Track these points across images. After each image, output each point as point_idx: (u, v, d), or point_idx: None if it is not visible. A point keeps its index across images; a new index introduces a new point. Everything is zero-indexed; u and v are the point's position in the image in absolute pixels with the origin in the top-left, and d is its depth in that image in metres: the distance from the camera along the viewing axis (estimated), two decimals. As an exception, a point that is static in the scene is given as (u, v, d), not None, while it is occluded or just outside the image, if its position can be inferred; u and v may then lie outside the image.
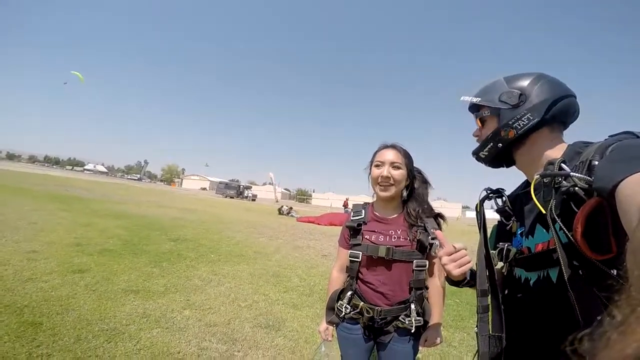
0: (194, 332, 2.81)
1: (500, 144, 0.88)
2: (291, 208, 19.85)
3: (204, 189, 76.59)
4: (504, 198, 0.96)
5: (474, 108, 0.97)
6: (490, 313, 0.85)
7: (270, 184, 47.61)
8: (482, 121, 0.94)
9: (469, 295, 4.70)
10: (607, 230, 0.59)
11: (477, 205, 1.02)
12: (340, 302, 1.44)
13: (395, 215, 1.46)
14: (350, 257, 1.44)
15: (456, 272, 0.90)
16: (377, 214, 1.48)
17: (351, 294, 1.42)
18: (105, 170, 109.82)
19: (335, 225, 13.58)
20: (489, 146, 0.91)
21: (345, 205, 23.77)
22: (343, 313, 1.41)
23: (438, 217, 1.45)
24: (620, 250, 0.58)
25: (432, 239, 1.25)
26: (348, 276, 1.48)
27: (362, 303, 1.39)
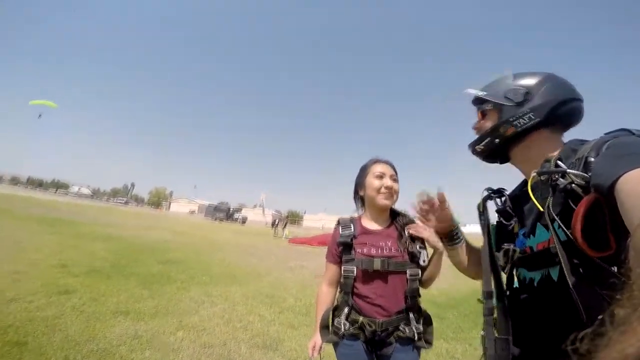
0: (189, 353, 2.69)
1: (498, 140, 0.87)
2: (286, 219, 19.81)
3: (193, 212, 75.17)
4: (504, 198, 0.94)
5: (478, 101, 0.97)
6: (495, 315, 0.84)
7: (260, 206, 47.12)
8: (484, 115, 0.93)
9: (468, 307, 4.70)
10: (605, 226, 0.59)
11: (479, 205, 1.00)
12: (337, 319, 1.39)
13: (384, 227, 1.48)
14: (344, 272, 1.42)
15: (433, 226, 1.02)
16: (366, 226, 1.49)
17: (348, 310, 1.38)
18: (90, 192, 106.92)
19: (327, 245, 13.43)
20: (486, 141, 0.90)
21: (338, 225, 23.58)
22: (342, 330, 1.35)
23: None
24: (619, 246, 0.58)
25: (420, 247, 1.38)
26: (342, 292, 1.44)
27: (361, 318, 1.34)
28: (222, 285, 5.25)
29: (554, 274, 0.73)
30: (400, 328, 1.34)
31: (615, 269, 0.58)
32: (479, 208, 1.00)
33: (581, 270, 0.63)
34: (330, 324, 1.43)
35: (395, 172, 1.52)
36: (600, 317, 0.38)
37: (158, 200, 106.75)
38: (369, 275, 1.37)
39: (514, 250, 0.85)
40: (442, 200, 1.07)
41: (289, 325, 3.64)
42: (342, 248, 1.45)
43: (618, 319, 0.27)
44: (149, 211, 51.80)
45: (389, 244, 1.41)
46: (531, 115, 0.81)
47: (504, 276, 0.90)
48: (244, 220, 44.62)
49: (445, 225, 1.11)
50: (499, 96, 0.87)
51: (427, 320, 1.41)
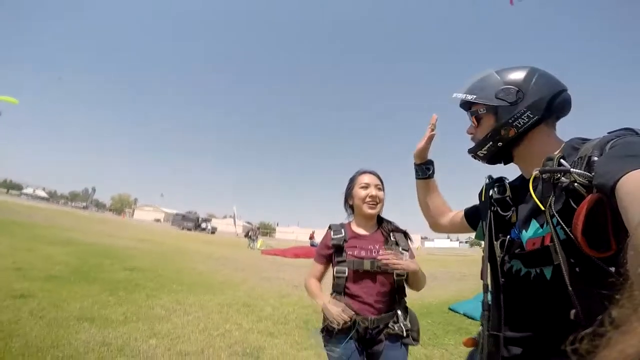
0: (164, 360, 2.53)
1: (501, 143, 0.86)
2: (258, 230, 19.53)
3: (158, 220, 71.65)
4: (505, 187, 0.93)
5: (467, 105, 0.95)
6: (490, 310, 0.83)
7: (231, 217, 45.91)
8: (478, 119, 0.91)
9: (440, 315, 4.84)
10: (606, 227, 0.58)
11: (480, 193, 1.00)
12: (329, 319, 1.42)
13: (372, 232, 1.60)
14: (336, 273, 1.49)
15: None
16: (356, 231, 1.59)
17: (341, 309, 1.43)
18: (45, 195, 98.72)
19: (301, 257, 13.28)
20: (488, 145, 0.88)
21: (312, 237, 23.47)
22: (336, 330, 1.39)
23: (405, 233, 1.62)
24: (619, 247, 0.57)
25: (403, 249, 1.49)
26: (333, 292, 1.50)
27: (354, 315, 1.40)
28: (195, 294, 5.01)
29: (547, 273, 0.73)
30: (390, 325, 1.42)
31: (613, 269, 0.57)
32: (480, 196, 1.00)
33: (578, 270, 0.63)
34: (326, 324, 1.45)
35: (381, 182, 1.63)
36: (599, 317, 0.36)
37: (121, 206, 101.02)
38: (359, 276, 1.47)
39: (511, 242, 0.85)
40: (432, 137, 1.17)
41: (268, 333, 3.52)
42: (335, 250, 1.53)
43: (618, 319, 0.27)
44: (111, 217, 48.72)
45: (377, 247, 1.52)
46: (529, 114, 0.80)
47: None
48: (213, 231, 43.14)
49: (422, 156, 1.21)
50: (490, 98, 0.85)
51: (413, 319, 1.50)
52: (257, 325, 3.77)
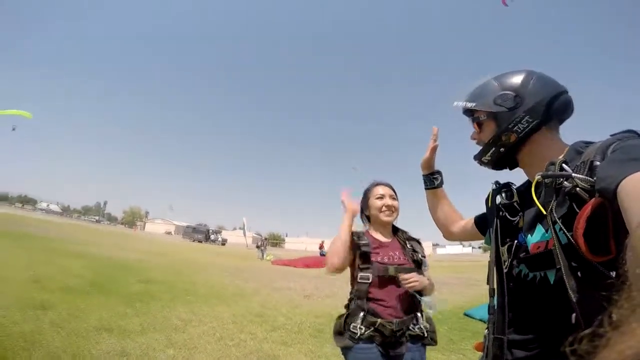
0: (182, 370, 2.55)
1: (503, 149, 0.87)
2: (266, 241, 19.78)
3: (169, 233, 72.31)
4: (512, 193, 0.93)
5: (469, 112, 0.96)
6: (495, 314, 0.84)
7: (241, 228, 46.06)
8: (479, 125, 0.92)
9: (456, 322, 4.76)
10: (607, 231, 0.58)
11: (487, 199, 1.00)
12: (352, 324, 1.44)
13: (390, 239, 1.66)
14: (360, 279, 1.50)
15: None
16: (377, 238, 1.64)
17: (364, 314, 1.45)
18: (59, 210, 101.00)
19: (312, 267, 13.22)
20: (492, 151, 0.89)
21: (321, 247, 23.35)
22: (358, 334, 1.40)
23: (418, 241, 1.68)
24: (619, 251, 0.56)
25: (422, 256, 1.58)
26: (355, 298, 1.51)
27: (379, 320, 1.42)
28: (209, 304, 5.04)
29: (551, 276, 0.73)
30: (411, 327, 1.45)
31: (613, 274, 0.57)
32: (487, 202, 0.99)
33: (580, 274, 0.63)
34: (343, 329, 1.47)
35: (394, 192, 1.71)
36: (598, 318, 0.36)
37: (132, 219, 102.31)
38: (384, 281, 1.50)
39: (518, 247, 0.84)
40: (435, 148, 1.24)
41: (282, 342, 3.52)
42: (360, 255, 1.54)
43: (616, 320, 0.27)
44: (123, 230, 49.43)
45: (397, 253, 1.59)
46: (528, 119, 0.80)
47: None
48: (223, 242, 43.31)
49: (429, 167, 1.27)
50: (489, 105, 0.86)
51: (430, 320, 1.55)
52: (271, 335, 3.77)
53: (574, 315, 0.62)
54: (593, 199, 0.60)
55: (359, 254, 1.55)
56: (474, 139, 0.96)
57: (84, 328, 3.16)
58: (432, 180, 1.28)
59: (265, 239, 21.34)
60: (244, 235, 39.89)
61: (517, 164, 0.92)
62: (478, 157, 0.95)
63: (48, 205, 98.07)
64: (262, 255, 18.72)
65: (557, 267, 0.67)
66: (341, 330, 1.48)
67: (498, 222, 0.91)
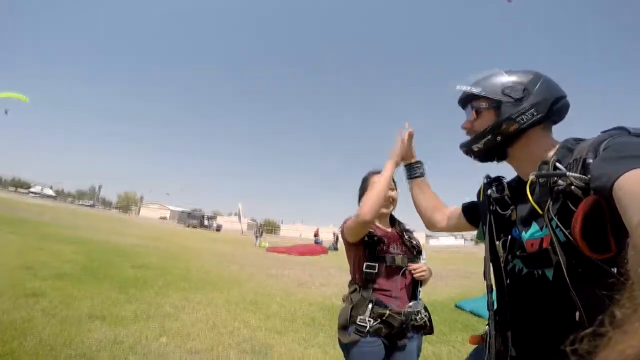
0: (175, 359, 2.56)
1: (500, 137, 0.84)
2: (261, 227, 20.05)
3: (164, 218, 72.28)
4: (503, 186, 0.93)
5: (467, 99, 0.94)
6: (495, 310, 0.85)
7: (236, 214, 46.14)
8: (478, 112, 0.90)
9: (446, 313, 4.85)
10: (605, 228, 0.58)
11: (478, 193, 1.00)
12: (359, 317, 1.38)
13: (390, 229, 1.62)
14: (366, 269, 1.44)
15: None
16: (381, 227, 1.59)
17: (372, 306, 1.40)
18: (53, 193, 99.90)
19: (306, 255, 13.33)
20: (487, 139, 0.86)
21: (316, 234, 23.52)
22: (367, 327, 1.35)
23: (412, 232, 1.68)
24: (619, 248, 0.57)
25: (420, 247, 1.60)
26: (361, 289, 1.46)
27: (387, 311, 1.38)
28: (203, 291, 5.06)
29: (549, 274, 0.73)
30: (413, 318, 1.44)
31: (615, 270, 0.57)
32: (478, 196, 1.00)
33: (580, 271, 0.63)
34: (348, 323, 1.41)
35: (393, 181, 1.62)
36: (599, 317, 0.36)
37: (127, 204, 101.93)
38: (390, 271, 1.48)
39: (513, 241, 0.85)
40: (410, 135, 1.30)
41: (275, 331, 3.55)
42: (366, 243, 1.48)
43: (618, 319, 0.27)
44: (118, 215, 49.25)
45: (398, 243, 1.55)
46: (533, 112, 0.80)
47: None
48: (218, 228, 43.43)
49: (409, 156, 1.30)
50: (496, 92, 0.85)
51: (428, 310, 1.56)
52: (265, 323, 3.80)
53: (577, 313, 0.62)
54: (588, 197, 0.60)
55: (364, 243, 1.49)
56: (466, 127, 0.94)
57: (77, 316, 3.15)
58: (414, 169, 1.30)
59: (261, 224, 21.43)
60: (240, 221, 39.94)
61: (505, 156, 0.91)
62: (468, 145, 0.92)
63: (42, 189, 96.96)
64: (257, 242, 18.82)
65: (555, 265, 0.68)
66: (346, 324, 1.41)
67: (492, 218, 0.91)
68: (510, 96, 0.82)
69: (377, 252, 1.48)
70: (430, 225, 1.26)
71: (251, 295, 5.20)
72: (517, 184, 0.91)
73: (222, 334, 3.25)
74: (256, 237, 19.38)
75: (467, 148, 0.93)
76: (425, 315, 1.50)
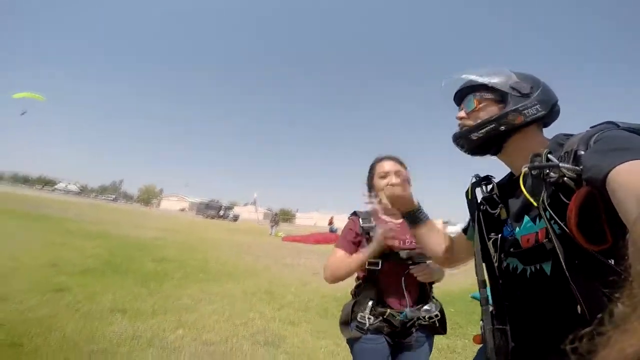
0: (191, 351, 2.64)
1: (504, 127, 0.83)
2: (277, 217, 20.30)
3: (184, 209, 74.44)
4: (492, 185, 0.94)
5: (470, 89, 0.92)
6: (491, 305, 0.84)
7: (252, 204, 46.91)
8: (480, 103, 0.89)
9: (462, 304, 4.78)
10: (600, 220, 0.59)
11: (467, 192, 1.00)
12: (360, 314, 1.36)
13: (401, 221, 1.47)
14: (368, 265, 1.39)
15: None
16: (386, 220, 1.47)
17: (373, 303, 1.36)
18: (77, 189, 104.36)
19: (322, 243, 13.44)
20: (490, 127, 0.84)
21: (331, 222, 23.63)
22: (367, 325, 1.33)
23: None
24: (615, 240, 0.57)
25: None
26: (363, 285, 1.44)
27: (388, 310, 1.34)
28: (220, 282, 5.19)
29: (547, 268, 0.73)
30: (421, 317, 1.37)
31: (612, 262, 0.57)
32: (467, 195, 1.00)
33: (577, 263, 0.63)
34: (349, 319, 1.40)
35: (402, 166, 1.52)
36: (599, 314, 0.36)
37: (148, 197, 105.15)
38: (394, 267, 1.39)
39: (503, 240, 0.86)
40: (405, 181, 1.25)
41: (289, 322, 3.61)
42: (367, 239, 1.44)
43: (618, 317, 0.26)
44: (139, 208, 51.01)
45: (408, 236, 1.43)
46: (538, 107, 0.81)
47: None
48: (235, 218, 44.36)
49: (409, 204, 1.14)
50: (504, 85, 0.85)
51: (441, 309, 1.45)
52: (279, 313, 3.87)
53: (578, 306, 0.61)
54: (581, 188, 0.61)
55: (366, 238, 1.44)
56: (463, 117, 0.92)
57: (99, 310, 3.28)
58: (417, 217, 1.15)
59: (276, 214, 21.72)
60: (256, 210, 40.62)
61: (499, 150, 0.90)
62: (466, 133, 0.89)
63: (67, 185, 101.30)
64: (272, 231, 19.10)
65: (553, 258, 0.69)
66: (347, 320, 1.40)
67: (481, 215, 0.92)
68: (518, 90, 0.83)
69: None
70: (447, 262, 1.18)
71: (266, 285, 5.31)
72: (508, 181, 0.92)
73: (236, 325, 3.34)
74: (271, 226, 19.68)
75: (463, 137, 0.90)
76: (436, 315, 1.40)
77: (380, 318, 1.34)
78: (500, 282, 0.86)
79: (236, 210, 55.90)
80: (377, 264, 1.38)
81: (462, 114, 0.92)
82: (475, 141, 0.88)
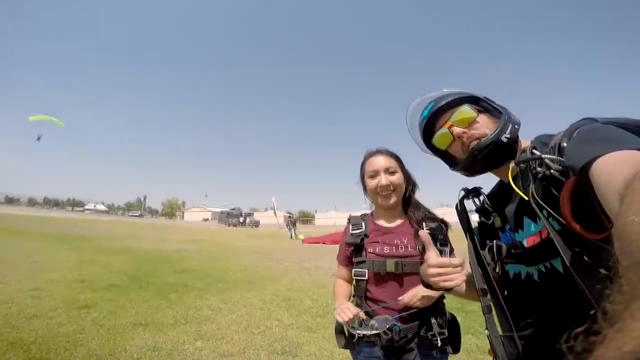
0: (208, 363, 2.67)
1: (509, 137, 0.80)
2: (294, 220, 20.50)
3: (206, 219, 76.30)
4: (481, 197, 0.94)
5: (462, 101, 0.88)
6: (494, 313, 0.83)
7: (272, 209, 47.46)
8: (479, 113, 0.87)
9: (473, 305, 4.59)
10: (593, 207, 0.56)
11: (457, 205, 0.99)
12: (352, 326, 1.24)
13: (399, 223, 1.37)
14: (355, 276, 1.32)
15: (441, 285, 0.82)
16: (379, 224, 1.38)
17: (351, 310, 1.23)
18: (105, 209, 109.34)
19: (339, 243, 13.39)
20: (511, 127, 0.81)
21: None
22: (356, 337, 1.25)
23: (442, 223, 1.36)
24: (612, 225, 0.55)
25: (442, 245, 1.18)
26: (354, 296, 1.35)
27: (376, 323, 1.21)
28: (239, 290, 5.25)
29: (558, 265, 0.70)
30: (422, 334, 1.23)
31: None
32: (457, 208, 0.99)
33: (586, 258, 0.60)
34: (346, 330, 1.32)
35: (396, 159, 1.37)
36: (591, 313, 0.40)
37: (171, 210, 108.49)
38: (382, 278, 1.28)
39: (499, 246, 0.81)
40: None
41: (306, 328, 3.59)
42: (353, 249, 1.36)
43: (610, 316, 0.26)
44: (164, 222, 52.67)
45: (405, 241, 1.30)
46: (517, 127, 0.82)
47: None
48: (257, 224, 45.04)
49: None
50: (494, 104, 0.88)
51: (453, 324, 1.29)
52: (297, 320, 3.86)
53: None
54: (570, 179, 0.61)
55: (352, 245, 1.35)
56: (463, 132, 0.87)
57: (122, 325, 3.39)
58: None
59: (290, 216, 21.97)
60: (275, 215, 40.97)
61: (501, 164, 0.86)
62: (493, 138, 0.79)
63: (95, 205, 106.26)
64: (292, 235, 19.21)
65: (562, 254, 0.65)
66: (341, 329, 1.31)
67: (469, 225, 0.93)
68: (503, 109, 0.86)
69: (365, 255, 1.32)
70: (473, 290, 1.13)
71: (284, 291, 5.32)
72: (500, 188, 0.92)
73: (254, 335, 3.35)
74: (289, 229, 19.81)
75: (492, 143, 0.79)
76: (441, 333, 1.22)
77: (373, 331, 1.21)
78: (506, 292, 0.85)
79: (256, 216, 56.70)
80: (363, 274, 1.30)
81: (459, 129, 0.85)
82: (506, 143, 0.80)
